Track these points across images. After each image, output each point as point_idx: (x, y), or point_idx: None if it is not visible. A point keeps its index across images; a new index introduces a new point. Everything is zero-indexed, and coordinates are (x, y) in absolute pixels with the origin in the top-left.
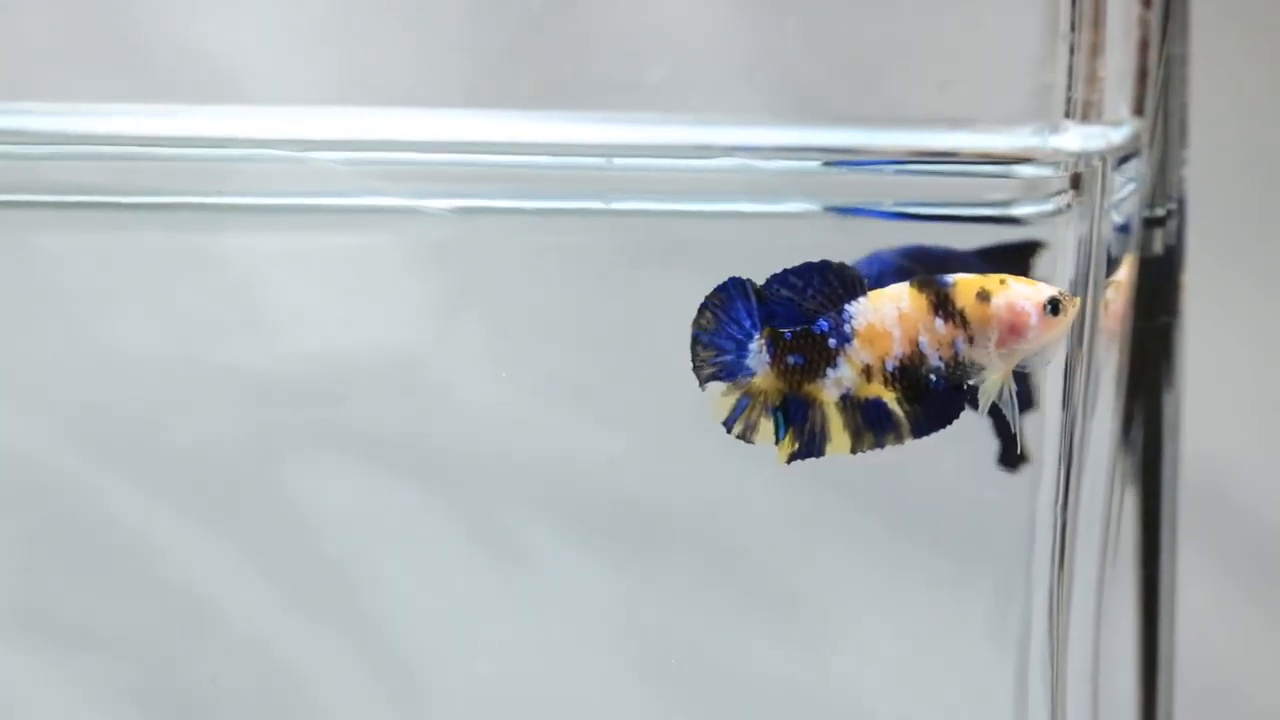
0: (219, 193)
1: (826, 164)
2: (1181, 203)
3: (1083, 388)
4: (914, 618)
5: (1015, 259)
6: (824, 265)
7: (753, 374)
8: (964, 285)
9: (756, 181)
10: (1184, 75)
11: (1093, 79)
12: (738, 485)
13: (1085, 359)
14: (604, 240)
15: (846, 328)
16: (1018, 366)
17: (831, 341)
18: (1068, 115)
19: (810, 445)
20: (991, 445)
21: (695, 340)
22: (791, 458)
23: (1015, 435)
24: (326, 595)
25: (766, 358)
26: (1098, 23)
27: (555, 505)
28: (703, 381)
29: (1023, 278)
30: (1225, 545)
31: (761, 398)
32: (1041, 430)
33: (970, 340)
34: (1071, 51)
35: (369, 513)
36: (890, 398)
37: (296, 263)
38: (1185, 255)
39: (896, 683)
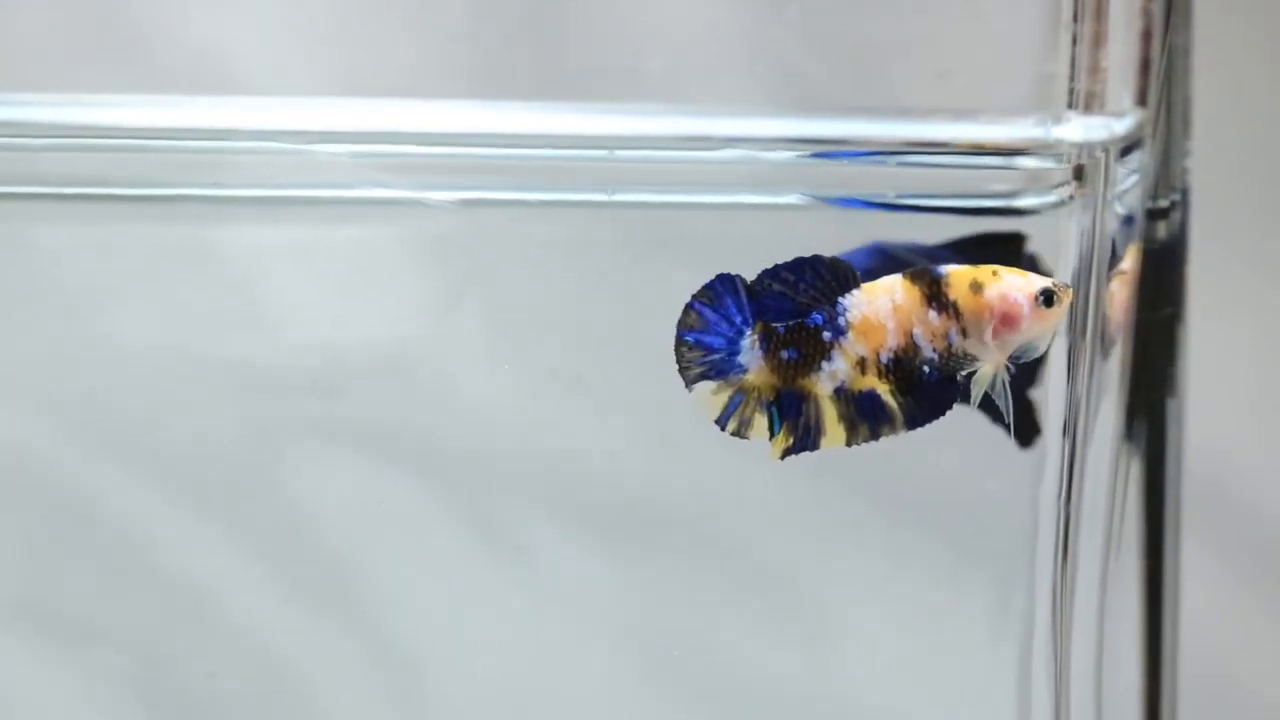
0: (219, 185)
1: (828, 156)
2: (1185, 194)
3: (1086, 379)
4: (916, 611)
5: (992, 250)
6: (816, 259)
7: (745, 370)
8: (957, 277)
9: (758, 173)
10: (1187, 66)
11: (1095, 70)
12: (739, 479)
13: (1088, 351)
14: (606, 232)
15: (841, 320)
16: (1011, 357)
17: (826, 335)
18: (1070, 106)
19: (805, 439)
20: (993, 435)
21: (680, 341)
22: (786, 452)
23: (1009, 426)
24: (327, 589)
25: (760, 353)
26: (1100, 13)
27: (556, 498)
28: (689, 382)
29: (1014, 269)
30: (1228, 538)
31: (755, 393)
32: (1045, 420)
33: (964, 332)
34: (1074, 42)
35: (370, 506)
36: (884, 389)
37: (296, 255)
38: (1189, 247)
39: (899, 676)
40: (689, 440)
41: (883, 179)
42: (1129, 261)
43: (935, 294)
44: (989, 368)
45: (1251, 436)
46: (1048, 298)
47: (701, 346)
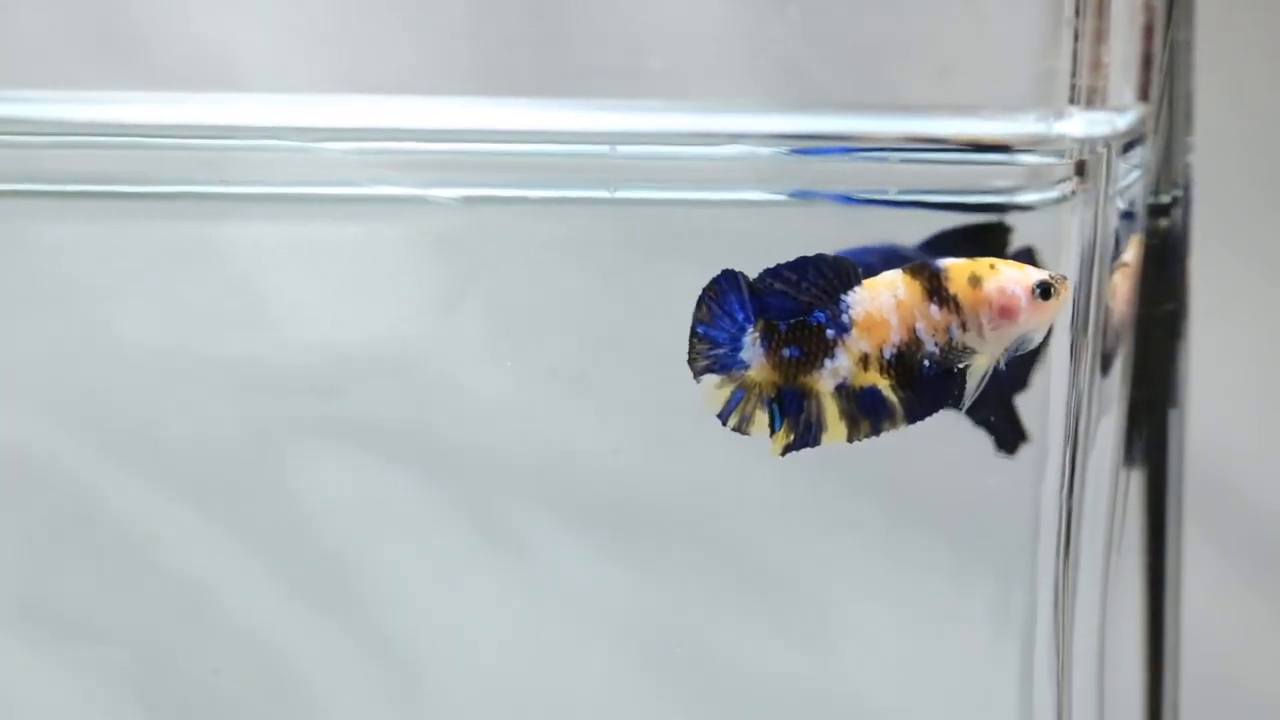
0: (221, 182)
1: (829, 152)
2: (1187, 189)
3: (1088, 374)
4: (917, 606)
5: (977, 244)
6: (818, 258)
7: (746, 366)
8: (956, 270)
9: (761, 170)
10: (1189, 61)
11: (1097, 65)
12: (740, 475)
13: (1090, 345)
14: (607, 230)
15: (844, 318)
16: (1008, 350)
17: (830, 332)
18: (1072, 102)
19: (806, 436)
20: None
21: (692, 332)
22: (787, 449)
23: (1002, 419)
24: (328, 586)
25: (761, 350)
26: (1102, 8)
27: (558, 495)
28: (697, 374)
29: (1011, 261)
30: (1230, 534)
31: (756, 390)
32: (1046, 417)
33: (963, 325)
34: (1076, 37)
35: (371, 504)
36: (884, 385)
37: (298, 253)
38: (1190, 242)
39: (900, 672)
40: (690, 438)
41: (884, 175)
42: (1131, 253)
43: (935, 288)
44: (984, 360)
45: (1253, 433)
46: (1045, 290)
47: (708, 340)
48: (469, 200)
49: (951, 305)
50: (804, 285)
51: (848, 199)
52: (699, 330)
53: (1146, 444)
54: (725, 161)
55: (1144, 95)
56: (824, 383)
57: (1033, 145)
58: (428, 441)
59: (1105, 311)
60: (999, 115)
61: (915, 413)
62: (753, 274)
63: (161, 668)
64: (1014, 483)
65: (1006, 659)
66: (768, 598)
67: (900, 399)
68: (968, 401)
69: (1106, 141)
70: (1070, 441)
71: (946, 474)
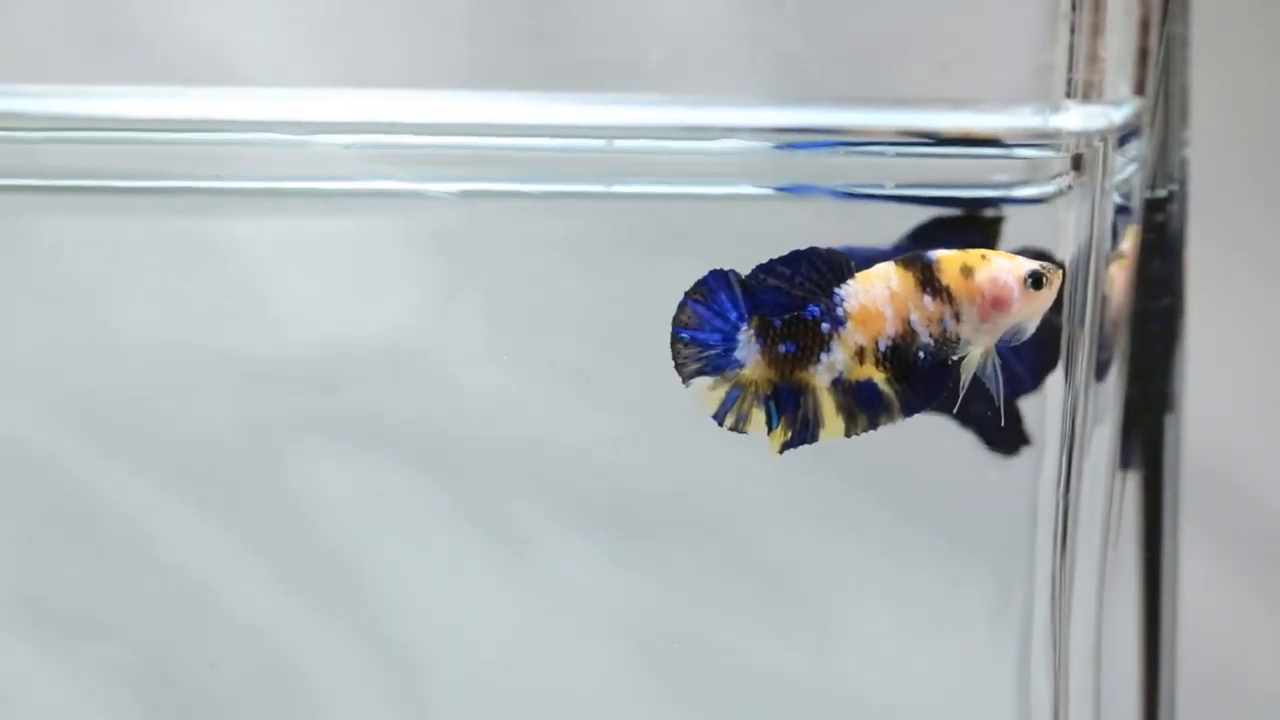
0: (219, 177)
1: (826, 146)
2: (1183, 183)
3: (1084, 369)
4: (915, 602)
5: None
6: (811, 251)
7: (742, 365)
8: (948, 261)
9: (757, 164)
10: (1185, 55)
11: (1093, 59)
12: (740, 470)
13: (1087, 340)
14: (605, 224)
15: (839, 311)
16: (1000, 340)
17: (825, 326)
18: (1069, 95)
19: (804, 432)
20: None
21: (675, 338)
22: (785, 446)
23: (999, 412)
24: (327, 581)
25: (756, 347)
26: (1098, 2)
27: (557, 491)
28: (686, 378)
29: (1003, 252)
30: (1227, 529)
31: (752, 388)
32: (1043, 412)
33: (957, 316)
34: (1072, 31)
35: (370, 499)
36: (880, 378)
37: (296, 247)
38: (1187, 236)
39: (898, 668)
40: (689, 434)
41: (881, 170)
42: (1128, 244)
43: (928, 279)
44: (978, 351)
45: (1250, 427)
46: (1036, 280)
47: (697, 343)
48: (466, 194)
49: (944, 296)
50: (797, 279)
51: (845, 194)
52: (684, 335)
53: (1143, 440)
54: (723, 156)
55: (1140, 89)
56: (820, 377)
57: (1029, 139)
58: (427, 435)
59: (1102, 303)
60: (995, 109)
61: (911, 406)
62: (750, 267)
63: (161, 665)
64: (1011, 480)
65: (1004, 655)
66: (766, 592)
67: (896, 392)
68: (962, 392)
69: (1103, 135)
70: (1067, 438)
71: (945, 469)
